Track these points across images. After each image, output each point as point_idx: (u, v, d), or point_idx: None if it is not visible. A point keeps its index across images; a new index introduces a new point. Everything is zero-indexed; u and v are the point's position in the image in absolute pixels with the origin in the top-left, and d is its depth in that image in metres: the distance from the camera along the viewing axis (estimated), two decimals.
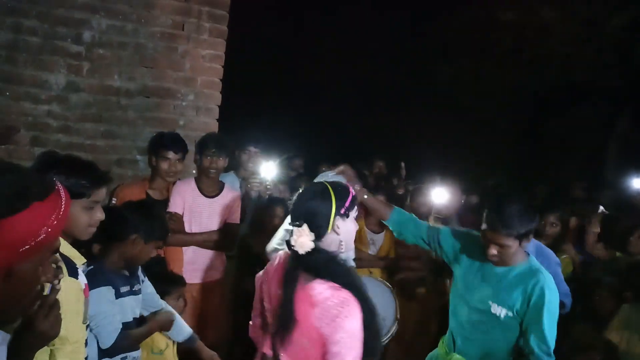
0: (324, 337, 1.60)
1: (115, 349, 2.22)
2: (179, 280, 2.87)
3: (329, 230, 1.73)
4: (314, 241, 1.69)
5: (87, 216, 1.81)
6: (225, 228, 3.33)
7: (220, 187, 3.37)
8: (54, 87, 3.40)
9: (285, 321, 1.66)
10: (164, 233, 2.38)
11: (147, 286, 2.48)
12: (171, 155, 3.12)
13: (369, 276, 3.42)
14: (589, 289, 3.36)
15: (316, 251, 1.69)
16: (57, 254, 1.52)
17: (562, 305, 3.01)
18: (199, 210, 3.27)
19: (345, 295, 1.61)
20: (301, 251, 1.68)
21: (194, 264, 3.25)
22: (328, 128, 9.66)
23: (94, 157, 3.31)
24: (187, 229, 3.26)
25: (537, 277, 2.20)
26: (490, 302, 2.28)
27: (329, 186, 1.78)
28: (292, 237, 1.71)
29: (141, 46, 3.55)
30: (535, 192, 5.58)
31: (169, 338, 2.73)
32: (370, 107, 10.08)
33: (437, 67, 9.71)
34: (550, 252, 3.20)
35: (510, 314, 2.23)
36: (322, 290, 1.63)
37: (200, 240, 3.26)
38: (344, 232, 1.77)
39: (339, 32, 9.08)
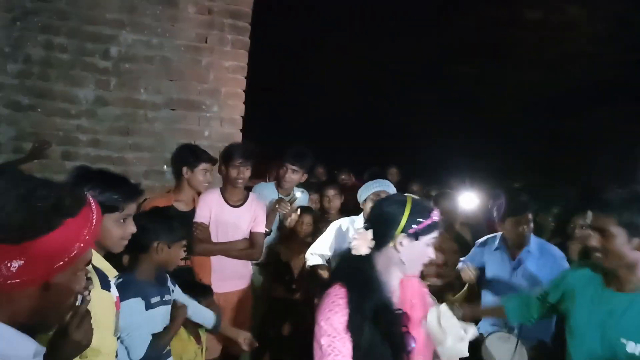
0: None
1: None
2: (207, 290, 2.91)
3: (390, 244, 1.67)
4: (371, 249, 1.67)
5: (120, 229, 1.86)
6: (251, 237, 3.37)
7: (245, 197, 3.41)
8: (83, 102, 3.49)
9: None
10: (185, 233, 2.43)
11: (178, 293, 2.53)
12: (209, 167, 3.19)
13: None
14: None
15: (363, 259, 1.67)
16: (90, 265, 1.57)
17: None
18: (224, 219, 3.31)
19: (340, 299, 1.62)
20: (354, 252, 1.67)
21: (220, 273, 3.28)
22: (348, 132, 9.65)
23: (122, 169, 3.39)
24: (213, 239, 3.30)
25: None
26: (622, 340, 1.82)
27: (409, 201, 1.70)
28: (354, 238, 1.70)
29: (166, 59, 3.62)
30: (566, 194, 5.47)
31: (199, 347, 2.78)
32: (390, 109, 10.04)
33: (459, 68, 9.62)
34: (553, 247, 3.18)
35: None
36: (329, 292, 1.67)
37: (226, 250, 3.30)
38: (407, 253, 1.67)
39: (359, 34, 9.08)
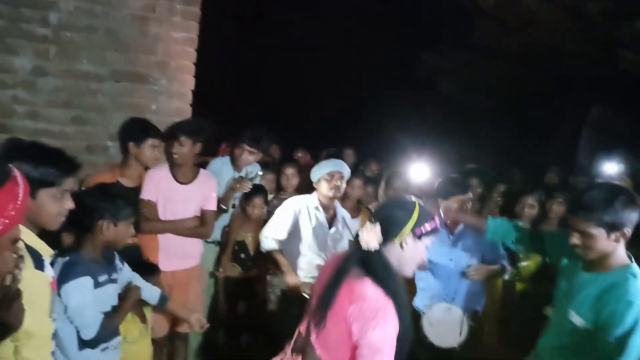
0: (353, 335, 1.65)
1: (97, 340, 2.20)
2: (154, 268, 2.84)
3: (396, 242, 1.79)
4: (380, 244, 1.77)
5: (57, 205, 1.77)
6: (202, 215, 3.30)
7: (195, 173, 3.32)
8: (20, 71, 3.27)
9: (324, 304, 1.73)
10: (131, 210, 2.34)
11: (126, 271, 2.45)
12: (157, 143, 3.07)
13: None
14: None
15: (378, 253, 1.76)
16: (20, 244, 1.47)
17: (503, 269, 3.23)
18: (173, 197, 3.22)
19: (386, 303, 1.66)
20: (364, 247, 1.76)
21: (169, 251, 3.20)
22: (309, 114, 9.61)
23: (63, 143, 3.21)
24: (161, 216, 3.21)
25: (622, 285, 1.85)
26: (570, 309, 1.99)
27: (418, 205, 1.85)
28: (362, 231, 1.80)
29: (111, 29, 3.44)
30: (512, 176, 5.63)
31: (144, 326, 2.71)
32: (354, 93, 10.05)
33: (422, 55, 9.71)
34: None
35: (587, 325, 1.92)
36: (367, 290, 1.69)
37: (175, 228, 3.21)
38: (409, 251, 1.81)
39: (322, 16, 8.99)
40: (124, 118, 3.39)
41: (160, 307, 2.68)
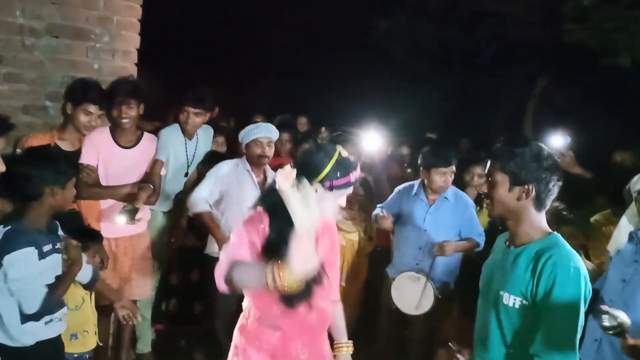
0: None
1: (40, 313, 2.14)
2: (95, 236, 2.74)
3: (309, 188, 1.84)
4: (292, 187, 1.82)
5: None
6: (146, 180, 3.18)
7: (138, 137, 3.20)
8: None
9: None
10: (74, 169, 2.35)
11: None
12: (94, 109, 2.92)
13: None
14: None
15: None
16: None
17: (476, 244, 3.24)
18: (114, 161, 3.10)
19: (259, 220, 1.90)
20: (276, 186, 1.83)
21: (111, 218, 3.09)
22: (261, 79, 9.44)
23: None
24: (102, 182, 3.10)
25: (551, 254, 1.75)
26: (501, 292, 1.84)
27: (335, 156, 1.89)
28: (278, 173, 1.85)
29: None
30: (459, 145, 5.75)
31: (86, 292, 2.63)
32: (305, 58, 9.92)
33: (374, 21, 9.64)
34: (466, 196, 3.40)
35: (525, 301, 1.78)
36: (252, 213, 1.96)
37: (117, 194, 3.10)
38: (319, 199, 1.86)
39: None
40: (63, 77, 3.20)
41: (91, 285, 2.58)
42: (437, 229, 3.28)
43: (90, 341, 2.67)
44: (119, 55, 3.39)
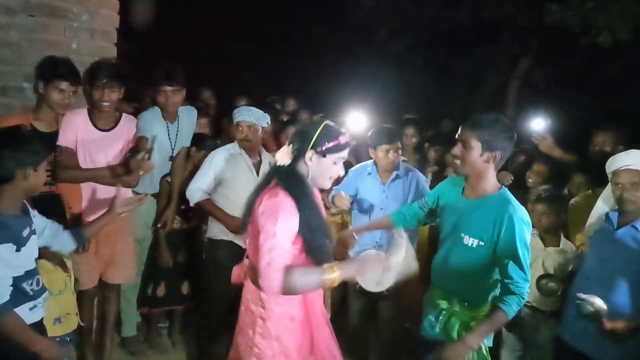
0: (259, 228, 1.94)
1: (24, 299, 2.12)
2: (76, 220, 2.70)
3: (304, 158, 2.01)
4: (292, 160, 2.02)
5: None
6: (126, 162, 3.13)
7: (117, 119, 3.15)
8: None
9: (246, 213, 2.08)
10: (46, 148, 2.28)
11: (39, 217, 2.31)
12: (65, 85, 2.83)
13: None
14: None
15: (289, 167, 2.02)
16: None
17: None
18: (92, 144, 3.05)
19: (287, 202, 1.93)
20: (279, 162, 2.03)
21: (93, 201, 3.07)
22: (244, 62, 9.33)
23: None
24: (81, 165, 3.04)
25: (507, 208, 2.19)
26: (462, 234, 2.30)
27: (322, 125, 2.04)
28: (280, 151, 2.06)
29: None
30: (441, 126, 5.78)
31: (67, 275, 2.61)
32: (286, 40, 9.81)
33: (355, 1, 9.54)
34: (418, 172, 3.50)
35: (481, 243, 2.24)
36: (273, 193, 1.96)
37: (96, 176, 3.05)
38: (314, 168, 2.03)
39: None
40: (40, 57, 3.09)
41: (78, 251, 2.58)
42: (392, 205, 3.31)
43: (72, 322, 2.66)
44: (98, 34, 3.30)
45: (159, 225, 3.46)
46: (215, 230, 3.36)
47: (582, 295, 2.23)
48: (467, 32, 8.93)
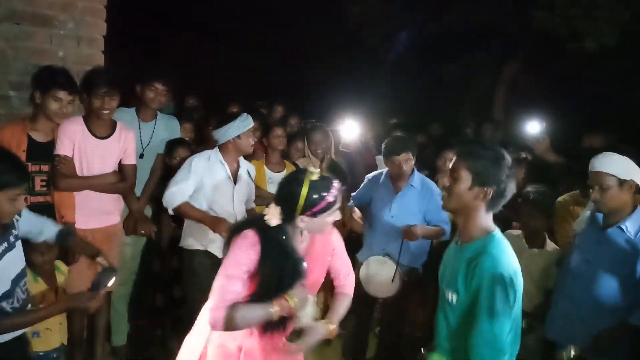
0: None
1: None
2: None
3: (297, 219, 1.96)
4: (282, 220, 1.97)
5: None
6: (121, 170, 3.17)
7: (112, 127, 3.15)
8: None
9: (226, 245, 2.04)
10: (18, 177, 2.01)
11: (27, 217, 2.26)
12: (63, 95, 2.81)
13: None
14: None
15: (276, 228, 1.96)
16: None
17: (442, 232, 3.33)
18: (89, 152, 3.05)
19: (254, 244, 1.93)
20: (267, 221, 1.96)
21: (85, 208, 3.06)
22: (234, 67, 9.33)
23: None
24: (78, 173, 3.04)
25: (483, 257, 1.78)
26: (444, 288, 1.95)
27: (306, 184, 1.93)
28: (266, 210, 1.98)
29: None
30: (430, 130, 5.80)
31: (49, 290, 2.58)
32: (277, 46, 9.83)
33: (346, 7, 9.60)
34: (432, 183, 3.48)
35: (459, 299, 1.85)
36: (244, 235, 1.97)
37: (94, 184, 3.06)
38: (308, 227, 1.99)
39: None
40: (26, 65, 3.11)
41: (64, 243, 2.50)
42: (403, 215, 3.33)
43: (53, 339, 2.62)
44: (85, 42, 3.31)
45: (141, 232, 3.40)
46: (190, 240, 3.29)
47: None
48: (456, 37, 9.00)
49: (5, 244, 2.06)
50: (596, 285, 2.43)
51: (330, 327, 2.10)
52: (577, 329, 2.46)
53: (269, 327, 2.01)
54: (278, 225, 1.97)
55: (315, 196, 1.92)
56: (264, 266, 1.94)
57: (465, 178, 1.83)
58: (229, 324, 1.90)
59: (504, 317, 1.74)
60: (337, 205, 1.99)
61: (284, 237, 1.99)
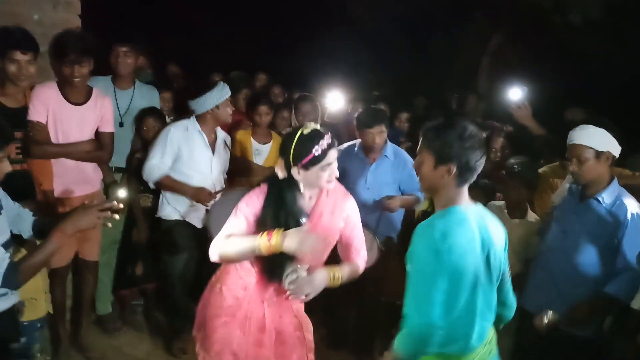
0: None
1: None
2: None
3: (294, 170, 2.05)
4: (288, 172, 2.07)
5: None
6: (98, 137, 3.11)
7: (88, 93, 3.07)
8: None
9: None
10: (5, 135, 2.01)
11: (5, 198, 2.19)
12: (19, 55, 2.67)
13: None
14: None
15: (285, 179, 2.08)
16: None
17: (417, 199, 3.41)
18: (65, 119, 2.97)
19: (260, 194, 2.12)
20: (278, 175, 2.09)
21: (64, 177, 3.01)
22: (218, 36, 9.15)
23: None
24: (53, 140, 2.97)
25: (423, 224, 1.77)
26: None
27: (295, 138, 2.03)
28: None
29: None
30: (415, 103, 5.80)
31: None
32: (261, 16, 9.65)
33: None
34: (405, 153, 3.51)
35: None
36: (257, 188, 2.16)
37: (69, 152, 3.00)
38: (304, 179, 2.07)
39: None
40: None
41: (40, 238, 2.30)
42: (379, 186, 3.35)
43: (40, 309, 2.60)
44: (61, 5, 3.19)
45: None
46: (168, 210, 3.31)
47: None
48: (441, 9, 8.91)
49: None
50: (572, 256, 2.49)
51: (335, 274, 2.13)
52: (552, 300, 2.51)
53: (266, 268, 2.12)
54: (285, 179, 2.08)
55: (303, 148, 2.01)
56: (263, 213, 2.08)
57: (428, 159, 1.80)
58: (220, 253, 2.06)
59: (431, 282, 1.66)
60: (328, 160, 2.04)
61: (288, 189, 2.09)
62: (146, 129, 3.46)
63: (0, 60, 2.70)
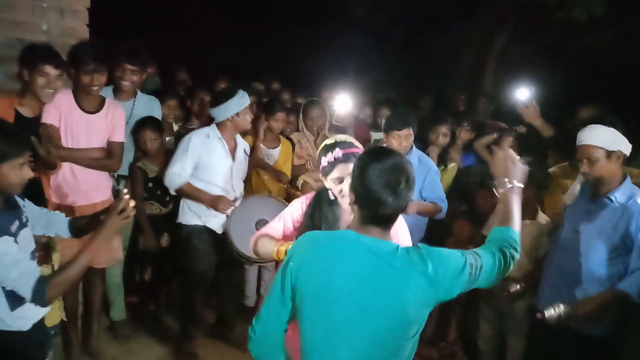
0: None
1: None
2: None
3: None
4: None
5: None
6: (108, 147, 3.12)
7: (101, 102, 3.10)
8: None
9: None
10: (18, 146, 1.99)
11: (30, 207, 2.21)
12: (50, 69, 2.73)
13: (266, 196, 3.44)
14: (471, 190, 3.69)
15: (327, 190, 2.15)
16: None
17: (438, 209, 3.30)
18: (76, 126, 3.00)
19: (302, 202, 2.26)
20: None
21: (72, 184, 3.04)
22: (217, 40, 9.17)
23: None
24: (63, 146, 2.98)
25: None
26: None
27: (320, 148, 2.14)
28: None
29: None
30: (420, 104, 5.80)
31: (46, 266, 2.56)
32: (262, 18, 9.66)
33: None
34: (430, 160, 3.44)
35: None
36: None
37: (78, 157, 3.02)
38: (331, 189, 2.12)
39: None
40: (7, 38, 3.02)
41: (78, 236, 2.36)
42: None
43: (53, 316, 2.61)
44: (68, 14, 3.20)
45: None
46: (188, 216, 3.35)
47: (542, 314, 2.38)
48: (444, 8, 8.90)
49: (18, 222, 2.04)
50: (585, 255, 2.48)
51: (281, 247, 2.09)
52: (565, 300, 2.50)
53: None
54: (327, 189, 2.15)
55: (320, 159, 2.11)
56: (304, 219, 2.19)
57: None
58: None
59: (272, 295, 1.61)
60: (336, 174, 2.05)
61: (327, 199, 2.15)
62: (143, 140, 3.45)
63: (28, 75, 2.74)
